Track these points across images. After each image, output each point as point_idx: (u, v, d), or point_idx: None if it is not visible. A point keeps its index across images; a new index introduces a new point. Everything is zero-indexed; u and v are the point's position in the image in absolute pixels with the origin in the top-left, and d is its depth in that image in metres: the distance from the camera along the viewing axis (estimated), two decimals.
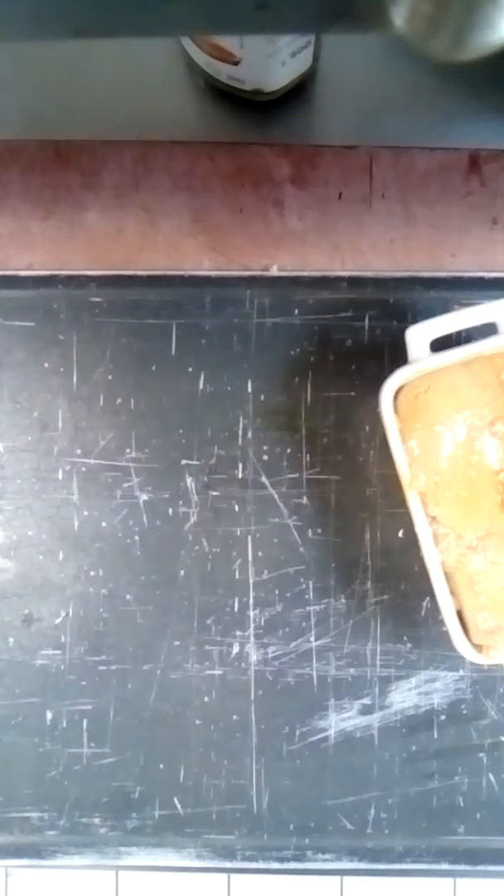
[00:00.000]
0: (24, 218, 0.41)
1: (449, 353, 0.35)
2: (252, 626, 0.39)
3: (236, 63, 0.37)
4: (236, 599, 0.40)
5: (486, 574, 0.34)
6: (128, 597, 0.40)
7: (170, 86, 0.41)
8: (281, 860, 0.40)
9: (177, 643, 0.40)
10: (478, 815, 0.39)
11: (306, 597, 0.40)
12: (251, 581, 0.40)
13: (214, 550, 0.40)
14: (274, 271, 0.40)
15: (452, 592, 0.35)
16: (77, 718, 0.40)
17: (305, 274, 0.40)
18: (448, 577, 0.35)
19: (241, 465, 0.40)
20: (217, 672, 0.40)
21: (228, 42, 0.36)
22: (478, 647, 0.35)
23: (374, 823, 0.39)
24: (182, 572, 0.40)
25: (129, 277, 0.40)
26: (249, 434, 0.40)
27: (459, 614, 0.35)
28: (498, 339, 0.35)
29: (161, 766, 0.40)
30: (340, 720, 0.39)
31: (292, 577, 0.40)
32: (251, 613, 0.39)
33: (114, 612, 0.40)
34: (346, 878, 0.97)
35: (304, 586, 0.40)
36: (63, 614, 0.40)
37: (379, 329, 0.40)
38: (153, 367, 0.40)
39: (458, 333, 0.38)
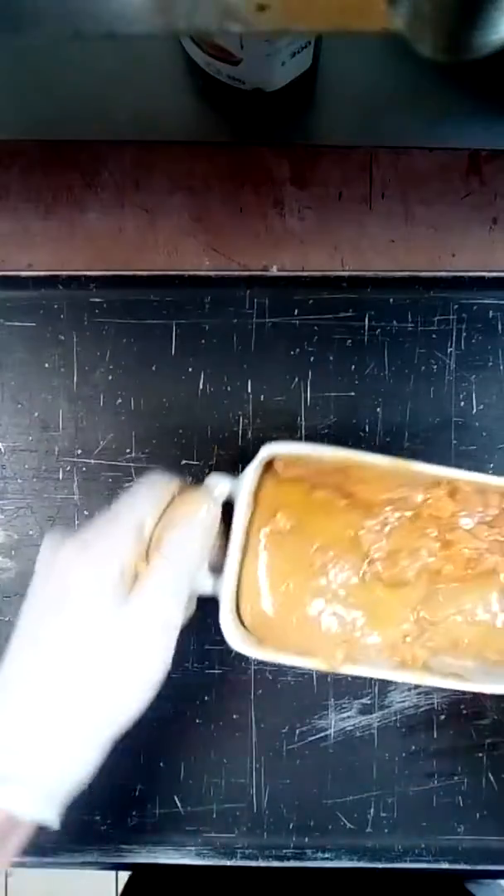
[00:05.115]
0: (24, 218, 0.41)
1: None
2: None
3: (236, 63, 0.37)
4: None
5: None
6: None
7: (170, 86, 0.41)
8: (281, 859, 0.40)
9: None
10: (478, 815, 0.40)
11: None
12: None
13: None
14: (274, 271, 0.41)
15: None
16: None
17: (305, 274, 0.40)
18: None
19: (240, 466, 0.40)
20: (217, 671, 0.40)
21: (228, 42, 0.36)
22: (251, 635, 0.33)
23: (374, 823, 0.40)
24: None
25: (129, 277, 0.40)
26: (249, 434, 0.40)
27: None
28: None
29: (161, 764, 0.40)
30: (340, 720, 0.40)
31: None
32: None
33: None
34: None
35: None
36: None
37: (379, 329, 0.40)
38: (153, 367, 0.40)
39: (458, 336, 0.39)
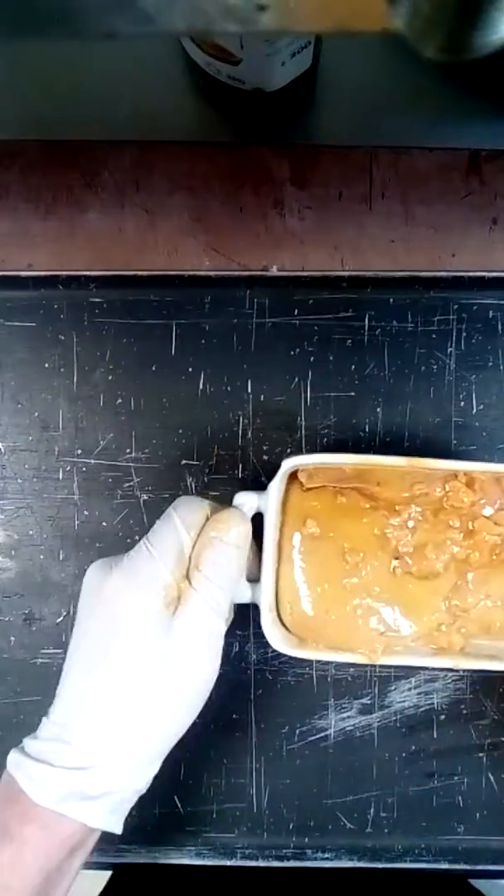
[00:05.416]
0: (24, 218, 0.41)
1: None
2: (252, 624, 0.39)
3: (236, 63, 0.37)
4: None
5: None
6: None
7: (170, 86, 0.41)
8: (280, 859, 0.40)
9: None
10: (477, 815, 0.40)
11: None
12: None
13: None
14: (274, 271, 0.41)
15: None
16: None
17: (305, 274, 0.40)
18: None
19: (241, 465, 0.40)
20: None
21: (228, 42, 0.36)
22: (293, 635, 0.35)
23: (374, 823, 0.40)
24: None
25: (129, 277, 0.40)
26: (249, 434, 0.40)
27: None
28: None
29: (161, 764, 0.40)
30: (340, 720, 0.40)
31: None
32: (251, 612, 0.39)
33: None
34: None
35: None
36: (64, 613, 0.40)
37: (379, 329, 0.40)
38: (153, 367, 0.40)
39: (458, 336, 0.38)
